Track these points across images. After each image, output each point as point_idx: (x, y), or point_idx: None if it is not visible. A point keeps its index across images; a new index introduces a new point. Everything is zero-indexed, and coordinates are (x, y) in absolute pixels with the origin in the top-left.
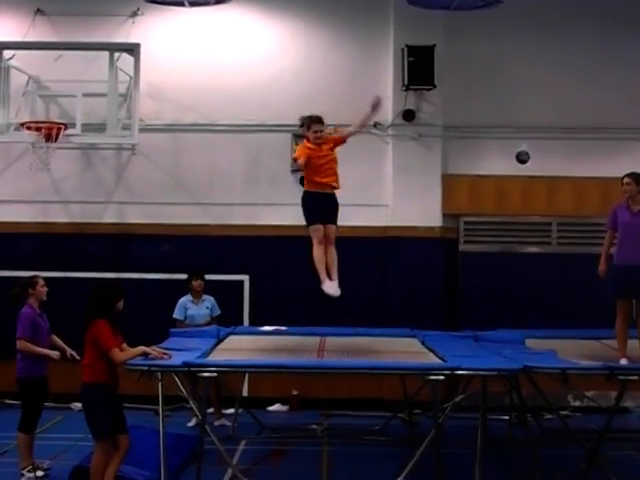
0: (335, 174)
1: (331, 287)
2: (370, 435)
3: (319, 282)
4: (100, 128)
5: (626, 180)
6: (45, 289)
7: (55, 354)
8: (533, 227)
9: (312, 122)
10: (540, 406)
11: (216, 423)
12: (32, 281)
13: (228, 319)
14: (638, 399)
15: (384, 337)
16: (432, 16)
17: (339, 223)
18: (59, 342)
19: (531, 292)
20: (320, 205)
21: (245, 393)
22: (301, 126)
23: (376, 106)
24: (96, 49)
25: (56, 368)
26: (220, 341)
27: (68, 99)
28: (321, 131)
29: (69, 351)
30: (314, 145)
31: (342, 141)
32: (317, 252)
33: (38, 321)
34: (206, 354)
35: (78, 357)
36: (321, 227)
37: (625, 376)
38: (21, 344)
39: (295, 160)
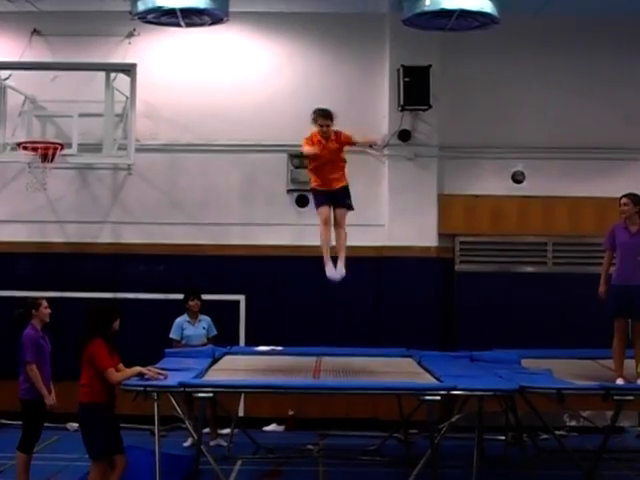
0: (340, 173)
1: (332, 271)
2: (366, 455)
3: (315, 300)
4: (96, 148)
5: (624, 201)
6: (48, 311)
7: (50, 401)
8: (529, 247)
9: (319, 116)
10: (536, 426)
11: (212, 443)
12: (36, 302)
13: (224, 339)
14: (634, 419)
15: (380, 357)
16: (428, 37)
17: (334, 243)
18: (51, 386)
19: (527, 312)
20: (327, 195)
21: (241, 413)
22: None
23: (373, 146)
24: (92, 69)
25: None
26: (216, 361)
27: (64, 119)
28: (327, 126)
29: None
30: (321, 138)
31: (350, 143)
32: (322, 233)
33: (41, 343)
34: (202, 374)
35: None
36: (326, 209)
37: (621, 396)
38: (31, 370)
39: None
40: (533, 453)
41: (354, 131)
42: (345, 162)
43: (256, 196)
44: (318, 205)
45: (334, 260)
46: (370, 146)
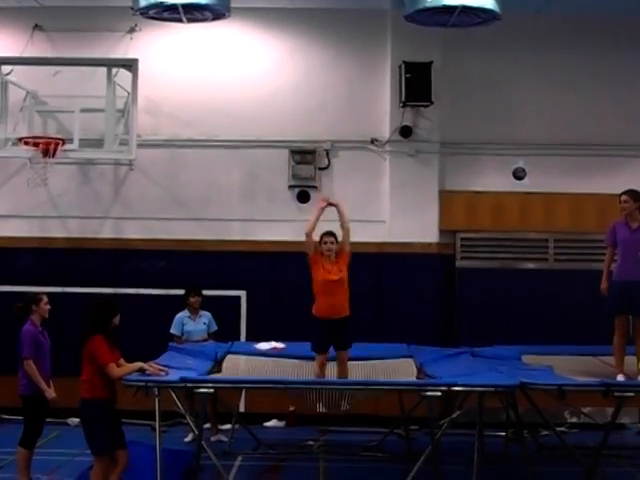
0: (344, 298)
1: None
2: (367, 451)
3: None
4: (98, 143)
5: (624, 198)
6: (48, 307)
7: (50, 395)
8: (530, 243)
9: (323, 235)
10: (537, 422)
11: (212, 439)
12: (36, 298)
13: (225, 335)
14: (635, 415)
15: (381, 352)
16: (429, 33)
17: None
18: (49, 382)
19: (528, 308)
20: (327, 331)
21: (242, 409)
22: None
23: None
24: (94, 65)
25: (53, 383)
26: (217, 363)
27: (66, 114)
28: (332, 243)
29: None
30: (326, 260)
31: (350, 254)
32: (316, 374)
33: (40, 338)
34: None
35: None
36: (323, 356)
37: (622, 393)
38: (28, 365)
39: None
40: (534, 449)
41: (355, 128)
42: (348, 287)
43: (257, 192)
44: (316, 350)
45: None
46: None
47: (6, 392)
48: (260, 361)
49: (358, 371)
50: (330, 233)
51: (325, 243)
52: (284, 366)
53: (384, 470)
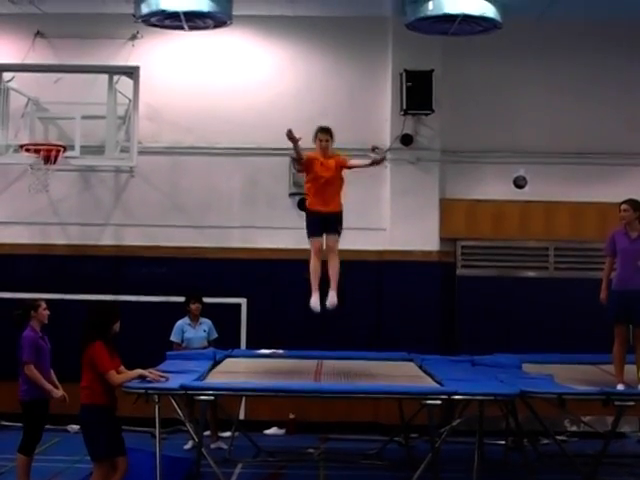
0: (335, 197)
1: (316, 303)
2: (367, 459)
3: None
4: (99, 150)
5: (624, 207)
6: (47, 312)
7: (57, 393)
8: (530, 252)
9: (318, 131)
10: (537, 431)
11: (212, 446)
12: (35, 304)
13: (225, 342)
14: (635, 424)
15: (381, 361)
16: (430, 41)
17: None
18: (56, 380)
19: (528, 317)
20: (319, 220)
21: (242, 416)
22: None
23: (377, 163)
24: (95, 72)
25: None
26: (217, 364)
27: (67, 121)
28: (327, 140)
29: (63, 393)
30: (320, 154)
31: (347, 166)
32: (312, 263)
33: (40, 344)
34: (203, 377)
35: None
36: (318, 240)
37: (622, 401)
38: (29, 370)
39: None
40: (534, 458)
41: (356, 135)
42: (342, 185)
43: (258, 199)
44: (310, 234)
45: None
46: (373, 149)
47: (6, 398)
48: (259, 362)
49: (358, 372)
50: (326, 130)
51: (320, 141)
52: (283, 366)
53: (384, 478)
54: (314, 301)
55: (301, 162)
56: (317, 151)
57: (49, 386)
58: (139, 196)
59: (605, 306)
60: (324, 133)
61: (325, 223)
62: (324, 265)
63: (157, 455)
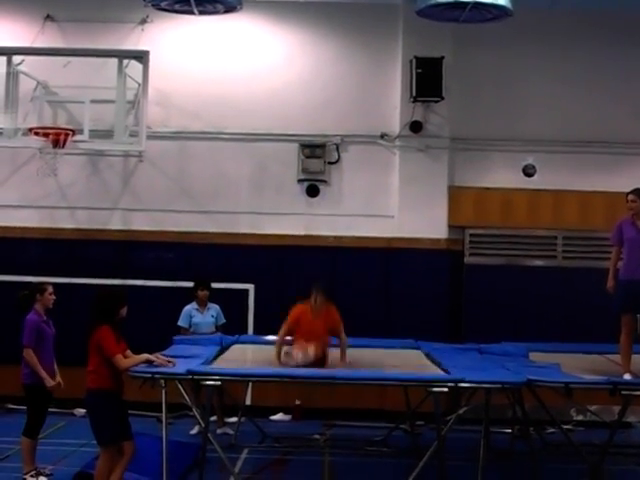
0: (318, 341)
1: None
2: (372, 446)
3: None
4: (107, 135)
5: (631, 197)
6: (53, 297)
7: (50, 382)
8: (539, 240)
9: (318, 292)
10: (543, 420)
11: (218, 431)
12: (41, 287)
13: (233, 328)
14: None
15: (388, 348)
16: (441, 28)
17: (344, 233)
18: (56, 368)
19: (536, 305)
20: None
21: (248, 402)
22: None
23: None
24: (105, 56)
25: (59, 372)
26: (224, 349)
27: (76, 105)
28: (322, 302)
29: (58, 381)
30: (313, 310)
31: (336, 333)
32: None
33: (44, 328)
34: (210, 362)
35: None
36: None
37: (628, 391)
38: (27, 354)
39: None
40: (539, 447)
41: (365, 122)
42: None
43: (266, 185)
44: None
45: None
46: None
47: (12, 381)
48: (266, 349)
49: (365, 359)
50: (322, 290)
51: (315, 301)
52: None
53: (389, 465)
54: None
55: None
56: (306, 310)
57: (44, 374)
58: (147, 181)
59: (612, 296)
60: (319, 293)
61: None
62: None
63: (163, 440)
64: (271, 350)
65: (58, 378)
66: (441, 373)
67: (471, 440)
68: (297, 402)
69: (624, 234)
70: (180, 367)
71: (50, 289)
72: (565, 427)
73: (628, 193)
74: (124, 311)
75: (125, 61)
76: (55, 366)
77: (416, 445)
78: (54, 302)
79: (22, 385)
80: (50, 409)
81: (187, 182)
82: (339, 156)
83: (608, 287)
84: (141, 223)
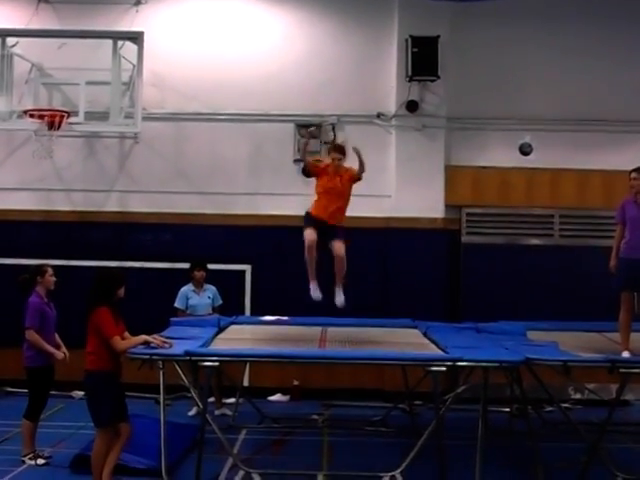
0: (341, 211)
1: (316, 292)
2: (371, 426)
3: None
4: (103, 116)
5: (633, 175)
6: (53, 279)
7: (60, 355)
8: (536, 219)
9: (332, 149)
10: (541, 398)
11: (217, 412)
12: (41, 269)
13: (230, 309)
14: (639, 392)
15: (386, 328)
16: (436, 7)
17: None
18: (59, 341)
19: (533, 284)
20: (319, 224)
21: (246, 383)
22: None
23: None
24: (99, 37)
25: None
26: (221, 330)
27: (71, 87)
28: (339, 159)
29: (65, 353)
30: (332, 170)
31: (358, 178)
32: (306, 254)
33: (45, 310)
34: (207, 343)
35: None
36: (312, 233)
37: (627, 369)
38: (30, 335)
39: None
40: (538, 425)
41: (362, 102)
42: (348, 201)
43: (263, 166)
44: (306, 226)
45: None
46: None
47: (12, 364)
48: (264, 329)
49: (363, 338)
50: (339, 150)
51: (333, 159)
52: (287, 333)
53: (388, 445)
54: (314, 290)
55: (308, 168)
56: (329, 165)
57: (51, 349)
58: (144, 162)
59: (614, 274)
60: (338, 152)
61: (325, 233)
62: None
63: (161, 421)
64: (269, 330)
65: (64, 349)
66: (439, 352)
67: (469, 419)
68: (295, 382)
69: (626, 213)
70: (178, 348)
71: (50, 271)
72: (563, 405)
73: (631, 171)
74: (122, 292)
75: (120, 42)
76: (59, 340)
77: (414, 425)
78: (55, 284)
79: (24, 368)
80: (50, 391)
81: (183, 163)
82: (335, 136)
83: (611, 265)
84: (137, 205)
